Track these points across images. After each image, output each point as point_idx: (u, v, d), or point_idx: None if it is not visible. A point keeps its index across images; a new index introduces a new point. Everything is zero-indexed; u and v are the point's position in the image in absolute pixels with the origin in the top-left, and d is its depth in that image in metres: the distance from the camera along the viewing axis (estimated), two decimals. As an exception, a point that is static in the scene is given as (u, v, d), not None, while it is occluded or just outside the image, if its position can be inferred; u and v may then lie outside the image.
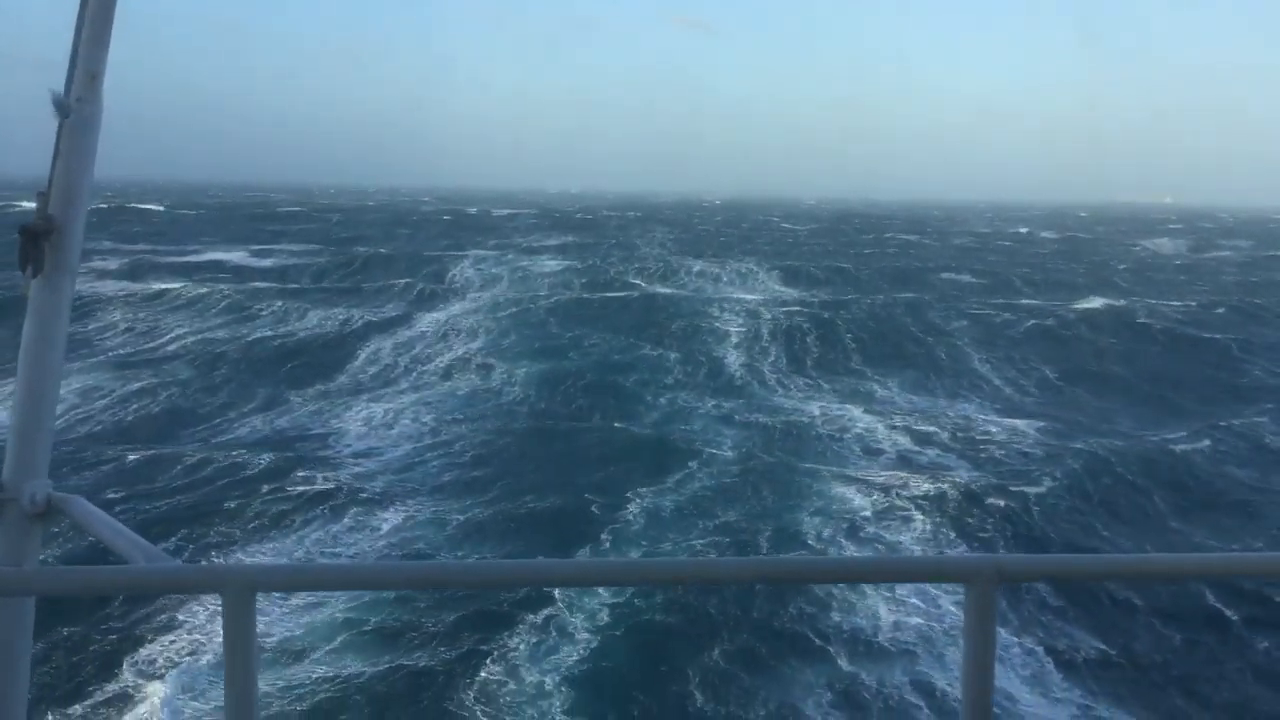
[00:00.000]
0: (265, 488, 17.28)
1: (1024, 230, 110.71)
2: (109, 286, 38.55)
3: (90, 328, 31.65)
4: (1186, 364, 29.62)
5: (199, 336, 31.77)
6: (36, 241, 2.51)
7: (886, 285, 48.11)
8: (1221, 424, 22.32)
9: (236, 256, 55.24)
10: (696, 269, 52.75)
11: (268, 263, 53.48)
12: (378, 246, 62.26)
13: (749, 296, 42.23)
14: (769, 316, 35.64)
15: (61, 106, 2.52)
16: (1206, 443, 20.73)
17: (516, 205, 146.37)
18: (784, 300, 41.31)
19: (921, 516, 16.06)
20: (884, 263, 60.97)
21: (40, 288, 2.58)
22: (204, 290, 39.17)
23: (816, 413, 23.42)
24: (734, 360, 29.20)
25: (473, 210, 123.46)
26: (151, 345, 30.40)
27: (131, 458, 19.03)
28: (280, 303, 37.31)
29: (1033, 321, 35.69)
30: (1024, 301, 41.93)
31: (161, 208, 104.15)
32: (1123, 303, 40.77)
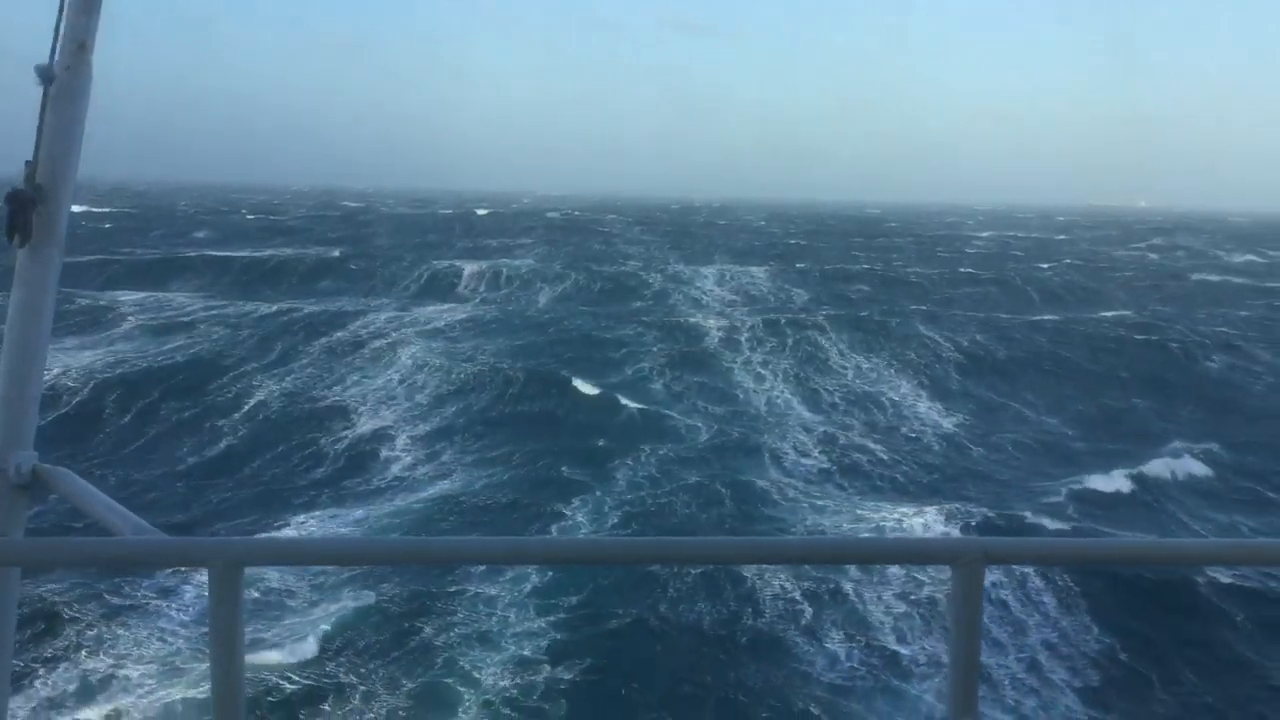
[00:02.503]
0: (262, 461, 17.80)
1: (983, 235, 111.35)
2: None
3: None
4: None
5: (207, 316, 33.10)
6: (24, 211, 2.48)
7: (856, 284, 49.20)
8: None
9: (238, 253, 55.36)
10: (678, 262, 54.40)
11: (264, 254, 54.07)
12: (360, 246, 62.48)
13: (721, 290, 43.95)
14: (742, 310, 37.23)
15: (48, 74, 2.49)
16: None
17: (497, 206, 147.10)
18: (758, 293, 42.85)
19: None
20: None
21: (27, 258, 2.55)
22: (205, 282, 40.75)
23: (778, 379, 25.90)
24: (712, 339, 30.80)
25: (448, 211, 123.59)
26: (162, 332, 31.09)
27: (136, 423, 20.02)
28: (257, 304, 37.73)
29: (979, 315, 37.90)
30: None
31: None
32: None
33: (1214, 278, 58.89)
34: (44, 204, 2.52)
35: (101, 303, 34.50)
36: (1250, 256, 79.61)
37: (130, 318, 32.40)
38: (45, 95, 2.52)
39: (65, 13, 2.51)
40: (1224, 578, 13.19)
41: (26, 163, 2.51)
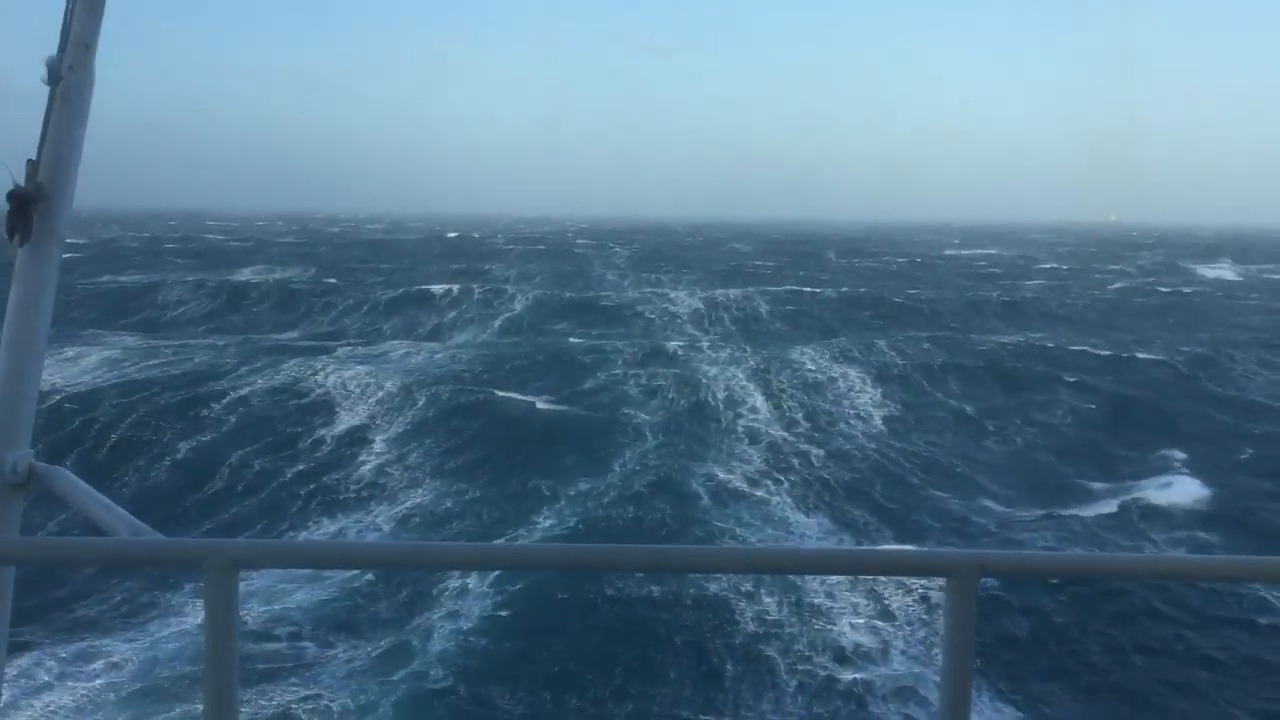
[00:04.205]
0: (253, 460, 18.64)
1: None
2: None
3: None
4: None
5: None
6: (25, 209, 2.49)
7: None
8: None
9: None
10: (649, 284, 55.80)
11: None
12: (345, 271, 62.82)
13: (689, 307, 45.24)
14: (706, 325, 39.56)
15: (53, 74, 2.51)
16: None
17: (471, 229, 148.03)
18: (725, 310, 44.26)
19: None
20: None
21: (27, 256, 2.56)
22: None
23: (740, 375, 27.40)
24: (678, 353, 31.81)
25: (412, 237, 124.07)
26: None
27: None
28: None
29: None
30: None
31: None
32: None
33: (1185, 291, 59.53)
34: (45, 202, 2.54)
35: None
36: (1221, 272, 79.57)
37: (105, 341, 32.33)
38: (51, 94, 2.53)
39: (73, 13, 2.53)
40: (1224, 593, 13.19)
41: (29, 161, 2.53)
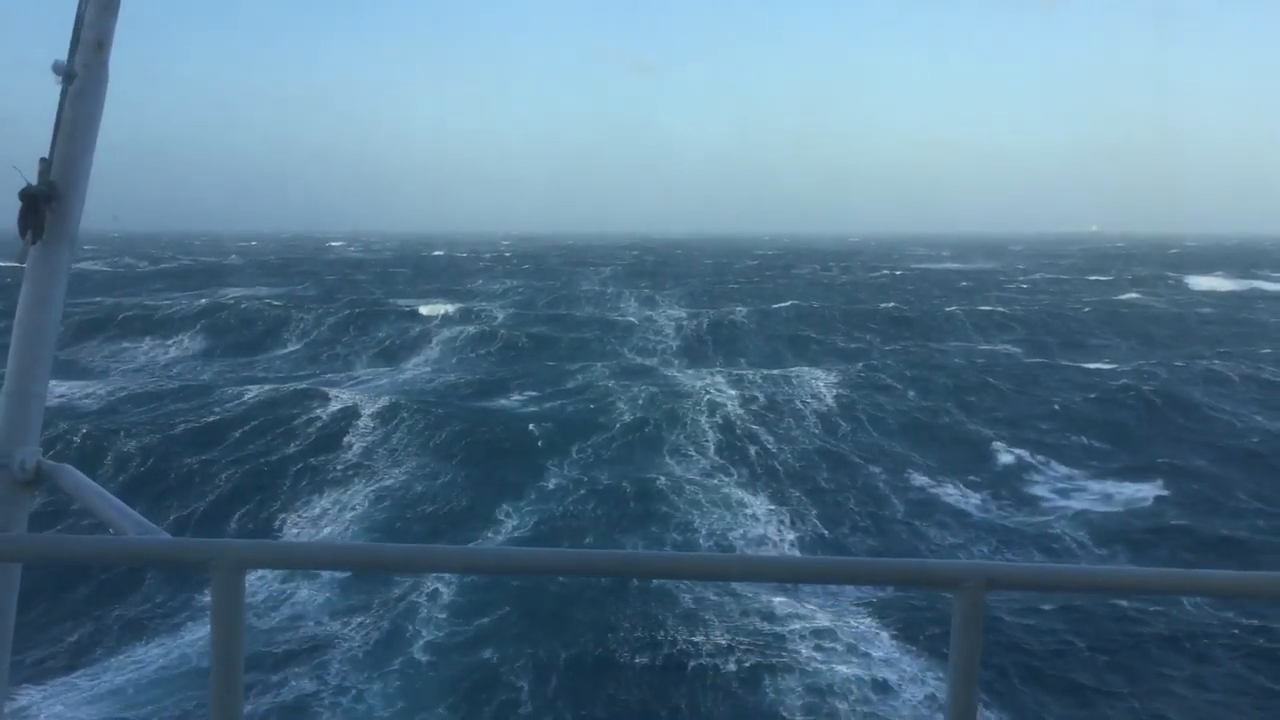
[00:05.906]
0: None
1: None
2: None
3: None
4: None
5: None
6: (37, 208, 2.49)
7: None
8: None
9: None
10: (631, 299, 57.41)
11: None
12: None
13: (667, 321, 45.99)
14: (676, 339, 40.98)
15: (65, 73, 2.51)
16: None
17: (458, 248, 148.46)
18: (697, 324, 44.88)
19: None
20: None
21: (38, 254, 2.56)
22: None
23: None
24: (654, 367, 32.68)
25: (398, 255, 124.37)
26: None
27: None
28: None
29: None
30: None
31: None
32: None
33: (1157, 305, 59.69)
34: (57, 201, 2.54)
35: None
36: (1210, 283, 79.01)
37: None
38: (64, 93, 2.53)
39: (86, 11, 2.54)
40: (1235, 608, 13.06)
41: (41, 159, 2.53)
